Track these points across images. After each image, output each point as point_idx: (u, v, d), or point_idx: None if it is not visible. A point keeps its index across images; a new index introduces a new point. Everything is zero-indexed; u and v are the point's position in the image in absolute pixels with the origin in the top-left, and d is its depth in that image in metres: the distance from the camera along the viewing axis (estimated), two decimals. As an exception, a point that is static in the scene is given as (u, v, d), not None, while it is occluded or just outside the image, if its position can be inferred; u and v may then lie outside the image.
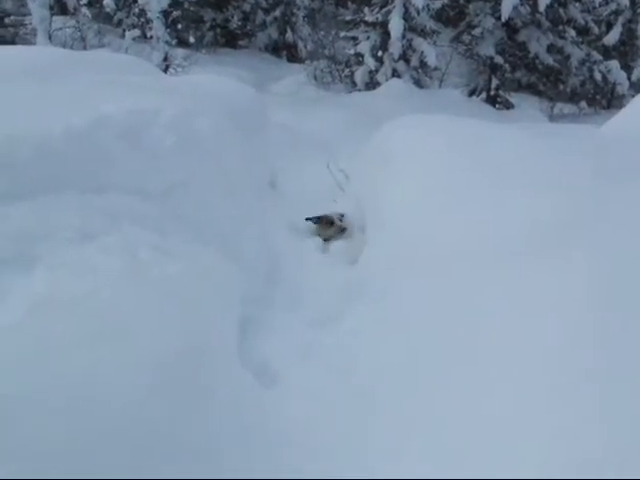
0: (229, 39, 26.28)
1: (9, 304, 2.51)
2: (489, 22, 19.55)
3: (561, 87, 21.83)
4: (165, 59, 16.80)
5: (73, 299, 2.66)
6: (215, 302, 3.57)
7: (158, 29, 16.69)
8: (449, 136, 5.78)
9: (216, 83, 6.84)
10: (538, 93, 22.12)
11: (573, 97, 21.97)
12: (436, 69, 20.08)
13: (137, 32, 17.14)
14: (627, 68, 21.82)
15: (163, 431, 2.57)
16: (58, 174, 3.40)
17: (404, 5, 17.79)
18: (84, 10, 18.48)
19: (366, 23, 19.02)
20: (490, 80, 20.25)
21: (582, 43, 21.38)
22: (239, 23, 25.82)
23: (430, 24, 18.90)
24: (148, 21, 17.04)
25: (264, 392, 3.43)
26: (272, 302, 4.61)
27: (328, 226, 6.22)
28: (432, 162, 5.35)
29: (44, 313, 2.53)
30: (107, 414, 2.40)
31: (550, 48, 20.76)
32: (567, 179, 4.14)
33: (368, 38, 18.84)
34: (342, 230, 6.14)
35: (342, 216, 6.33)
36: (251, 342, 3.87)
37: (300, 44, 25.98)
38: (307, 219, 6.30)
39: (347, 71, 20.75)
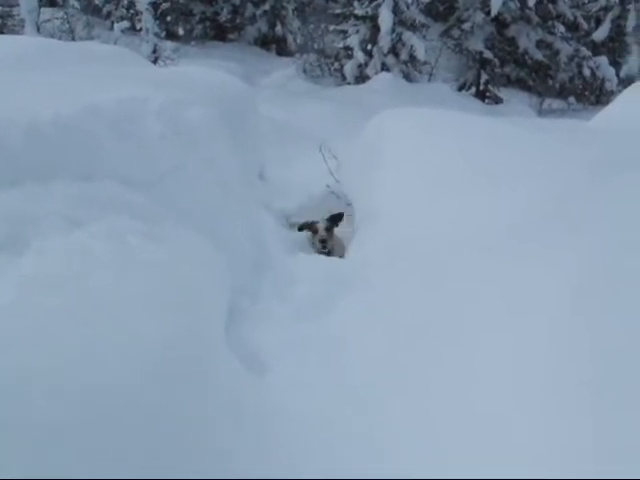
0: (218, 32, 26.24)
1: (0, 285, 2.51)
2: (479, 17, 19.64)
3: (550, 82, 21.96)
4: (154, 51, 16.78)
5: (63, 280, 2.66)
6: (204, 290, 3.57)
7: (147, 21, 16.66)
8: (439, 128, 5.80)
9: (205, 75, 6.83)
10: (527, 88, 22.23)
11: (562, 92, 22.09)
12: (425, 63, 20.16)
13: (126, 24, 17.11)
14: (616, 64, 21.99)
15: (155, 416, 2.57)
16: (47, 161, 3.39)
17: (394, -1, 17.82)
18: (73, 1, 18.41)
19: (356, 17, 19.07)
20: (479, 75, 20.35)
21: (571, 39, 21.52)
22: (228, 16, 25.77)
23: (420, 18, 18.98)
24: (137, 13, 17.04)
25: (255, 382, 3.43)
26: (260, 292, 4.60)
27: (313, 234, 6.26)
28: (422, 154, 5.37)
29: (34, 293, 2.53)
30: (97, 399, 2.39)
31: (539, 43, 20.89)
32: (556, 172, 4.16)
33: (357, 32, 18.88)
34: (323, 241, 6.12)
35: (330, 220, 6.33)
36: (240, 331, 3.87)
37: (290, 37, 25.94)
38: (295, 226, 6.44)
39: (336, 65, 20.83)
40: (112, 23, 18.97)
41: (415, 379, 3.27)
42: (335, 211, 6.43)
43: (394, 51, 18.81)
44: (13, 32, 16.43)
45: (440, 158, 5.07)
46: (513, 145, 5.02)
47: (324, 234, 6.11)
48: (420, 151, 5.48)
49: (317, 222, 6.23)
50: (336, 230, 6.32)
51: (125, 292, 2.86)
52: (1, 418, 2.12)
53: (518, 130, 5.57)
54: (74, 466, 2.19)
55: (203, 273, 3.67)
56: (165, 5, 17.54)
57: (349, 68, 19.30)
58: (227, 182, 4.78)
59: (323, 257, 5.46)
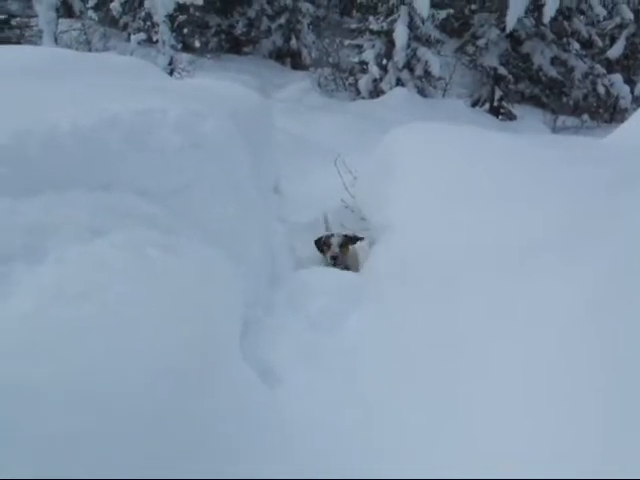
0: (233, 45, 26.34)
1: (18, 295, 2.52)
2: (493, 33, 19.64)
3: (564, 100, 21.90)
4: (170, 63, 16.85)
5: (81, 292, 2.68)
6: (219, 302, 3.59)
7: (164, 33, 16.73)
8: (454, 144, 5.80)
9: (222, 87, 6.86)
10: (541, 105, 22.17)
11: (576, 110, 22.02)
12: (440, 79, 20.14)
13: (143, 36, 17.15)
14: (630, 82, 21.90)
15: (169, 425, 2.59)
16: (66, 171, 3.42)
17: (409, 14, 17.90)
18: (90, 13, 18.53)
19: (371, 31, 19.12)
20: (493, 91, 20.32)
21: (586, 56, 21.46)
22: (244, 29, 25.87)
23: (435, 34, 19.02)
24: (154, 25, 17.09)
25: (268, 392, 3.45)
26: (274, 304, 4.62)
27: (326, 249, 6.11)
28: (437, 169, 5.37)
29: (53, 304, 2.55)
30: (114, 406, 2.41)
31: (554, 60, 20.84)
32: (571, 188, 4.15)
33: (373, 46, 18.92)
34: (334, 258, 5.96)
35: (345, 237, 6.17)
36: (254, 343, 3.88)
37: (304, 51, 26.00)
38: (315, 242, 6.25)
39: (351, 79, 20.84)
40: (129, 35, 19.01)
41: (426, 391, 3.28)
42: (348, 228, 6.41)
43: (409, 66, 18.84)
44: (31, 43, 16.51)
45: (455, 173, 5.07)
46: (528, 161, 5.01)
47: (336, 251, 5.98)
48: (435, 166, 5.48)
49: (332, 235, 6.15)
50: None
51: (143, 304, 2.88)
52: (19, 425, 2.13)
53: (533, 146, 5.57)
54: (89, 470, 2.21)
55: (218, 286, 3.69)
56: (182, 17, 17.61)
57: (364, 83, 19.33)
58: (243, 195, 4.79)
59: (337, 270, 5.45)
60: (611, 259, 2.98)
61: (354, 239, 6.17)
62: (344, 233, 6.24)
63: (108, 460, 2.31)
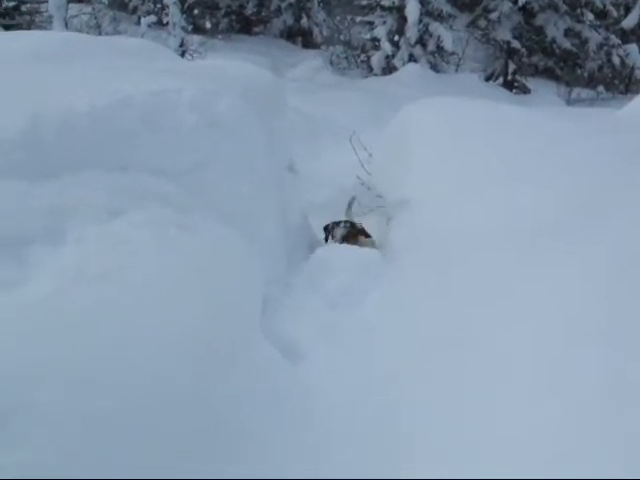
0: (244, 25, 26.22)
1: (39, 277, 2.54)
2: (506, 6, 19.48)
3: (578, 71, 21.69)
4: (181, 45, 16.83)
5: (101, 272, 2.69)
6: (239, 281, 3.60)
7: (174, 15, 16.70)
8: (469, 118, 5.78)
9: (234, 67, 6.82)
10: (555, 78, 21.96)
11: (591, 82, 21.78)
12: (453, 54, 20.02)
13: (153, 18, 17.12)
14: (646, 52, 21.63)
15: (191, 404, 2.60)
16: (82, 153, 3.43)
17: (420, -11, 17.74)
18: (100, -3, 18.53)
19: (382, 7, 19.02)
20: (507, 65, 20.18)
21: (600, 27, 21.23)
22: (254, 9, 25.76)
23: (446, 8, 18.90)
24: (164, 7, 17.08)
25: (291, 368, 3.47)
26: (293, 283, 4.64)
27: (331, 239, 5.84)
28: (453, 144, 5.35)
29: (73, 286, 2.56)
30: (130, 390, 2.42)
31: (567, 32, 20.68)
32: (588, 162, 4.13)
33: (384, 23, 18.82)
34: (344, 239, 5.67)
35: (350, 229, 5.83)
36: (274, 322, 3.90)
37: (315, 30, 25.86)
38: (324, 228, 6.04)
39: (363, 56, 20.74)
40: (139, 18, 18.97)
41: (440, 370, 3.28)
42: (364, 205, 6.37)
43: (421, 42, 18.73)
44: (41, 28, 16.48)
45: (471, 148, 5.05)
46: (543, 134, 4.99)
47: (338, 242, 5.67)
48: (450, 142, 5.46)
49: (338, 224, 5.87)
50: (367, 222, 6.08)
51: (163, 283, 2.89)
52: (34, 407, 2.15)
53: (548, 119, 5.54)
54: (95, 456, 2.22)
55: (237, 265, 3.70)
56: (191, -1, 17.62)
57: (376, 59, 19.24)
58: (257, 173, 4.79)
59: (354, 248, 5.37)
60: (624, 235, 2.96)
61: (362, 231, 5.89)
62: (351, 221, 6.00)
63: (118, 446, 2.31)
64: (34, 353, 2.28)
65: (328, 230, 5.97)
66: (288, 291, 4.49)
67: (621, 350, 2.44)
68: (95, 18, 18.81)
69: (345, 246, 5.38)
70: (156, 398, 2.46)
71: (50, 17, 16.60)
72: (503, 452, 2.53)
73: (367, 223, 5.97)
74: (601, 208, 3.37)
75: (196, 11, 18.14)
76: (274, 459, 2.80)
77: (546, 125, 5.26)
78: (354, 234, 5.79)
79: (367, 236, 5.82)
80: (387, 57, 19.04)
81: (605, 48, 21.35)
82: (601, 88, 21.09)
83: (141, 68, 5.24)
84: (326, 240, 5.97)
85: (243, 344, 3.16)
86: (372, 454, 2.96)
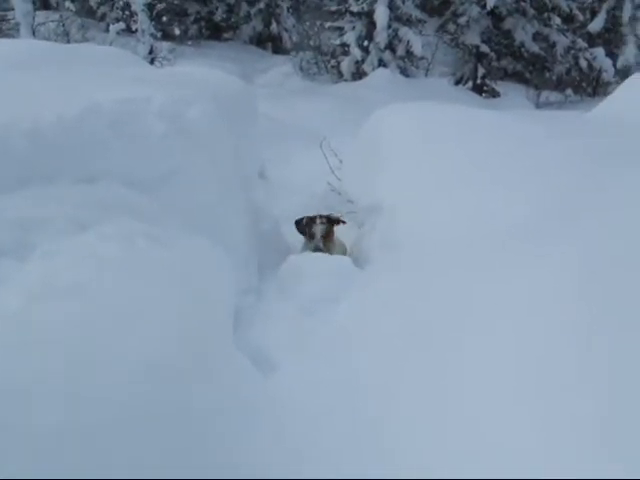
0: (213, 32, 26.24)
1: (6, 292, 2.49)
2: (474, 11, 19.63)
3: (547, 75, 21.92)
4: (150, 52, 16.81)
5: (72, 286, 2.64)
6: (211, 291, 3.56)
7: (143, 22, 16.68)
8: (440, 122, 5.78)
9: (204, 74, 6.80)
10: (524, 81, 22.18)
11: (559, 85, 22.04)
12: (422, 58, 20.13)
13: (122, 25, 17.11)
14: (612, 55, 21.89)
15: (164, 415, 2.57)
16: (51, 163, 3.39)
17: (389, -6, 17.81)
18: (67, 4, 18.41)
19: (351, 13, 19.09)
20: (476, 69, 20.33)
21: (567, 31, 21.49)
22: (223, 15, 25.80)
23: (416, 13, 19.01)
24: (133, 14, 17.03)
25: (262, 380, 3.43)
26: (266, 291, 4.61)
27: (309, 239, 5.68)
28: (423, 148, 5.35)
29: (42, 301, 2.51)
30: (104, 404, 2.38)
31: (535, 36, 20.90)
32: (557, 163, 4.14)
33: (354, 28, 18.88)
34: (317, 249, 5.52)
35: (328, 222, 5.73)
36: (247, 331, 3.87)
37: (285, 35, 25.94)
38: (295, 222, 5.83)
39: (333, 62, 20.81)
40: (107, 25, 18.92)
41: (418, 374, 3.26)
42: (336, 211, 6.32)
43: (391, 47, 18.79)
44: (8, 36, 16.37)
45: (442, 152, 5.05)
46: (513, 137, 4.99)
47: (320, 244, 5.56)
48: (421, 146, 5.46)
49: (315, 219, 5.71)
50: (337, 228, 5.96)
51: (133, 296, 2.84)
52: (11, 424, 2.11)
53: (518, 122, 5.56)
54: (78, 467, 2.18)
55: (209, 275, 3.67)
56: (160, 6, 17.56)
57: (346, 65, 19.28)
58: (228, 181, 4.77)
59: (326, 255, 5.31)
60: (595, 237, 2.97)
61: (337, 221, 5.85)
62: (327, 216, 5.84)
63: (98, 457, 2.27)
64: (1, 368, 2.23)
65: (302, 225, 5.77)
66: (261, 299, 4.47)
67: (600, 349, 2.44)
68: (63, 25, 18.69)
69: (317, 255, 5.32)
70: (125, 415, 2.42)
71: (17, 24, 16.49)
72: (490, 461, 2.52)
73: (338, 229, 5.93)
74: (572, 210, 3.37)
75: (165, 18, 18.13)
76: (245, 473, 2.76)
77: (516, 128, 5.28)
78: (330, 230, 5.72)
79: (343, 222, 5.81)
80: (357, 62, 19.09)
81: (572, 52, 21.60)
82: (569, 91, 21.35)
83: (110, 76, 5.20)
84: (302, 232, 5.78)
85: (214, 357, 3.12)
86: (349, 468, 2.92)
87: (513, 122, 5.54)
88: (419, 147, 5.43)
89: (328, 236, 5.68)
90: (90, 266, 2.81)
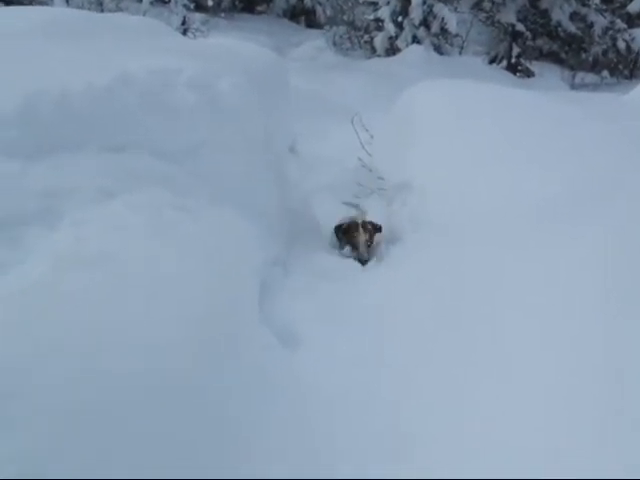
0: (247, 4, 26.15)
1: (34, 260, 2.48)
2: (511, -12, 19.32)
3: (583, 56, 21.58)
4: (183, 23, 16.75)
5: (97, 256, 2.63)
6: (238, 264, 3.56)
7: (176, -7, 16.62)
8: (474, 100, 5.71)
9: (237, 46, 6.77)
10: (560, 62, 21.86)
11: (595, 66, 21.68)
12: (457, 36, 19.84)
13: (155, -5, 17.05)
14: (652, 37, 21.50)
15: (186, 388, 2.56)
16: (79, 132, 3.36)
17: (425, -30, 17.59)
18: (102, -27, 18.37)
19: (386, -12, 18.83)
20: (511, 48, 20.05)
21: (606, 11, 21.09)
22: (257, -12, 25.66)
23: (451, -11, 18.70)
24: (166, -16, 16.98)
25: (287, 356, 3.40)
26: (293, 265, 4.58)
27: (352, 249, 5.13)
28: (457, 126, 5.29)
29: (69, 269, 2.50)
30: (129, 375, 2.37)
31: (573, 16, 20.55)
32: (593, 144, 4.08)
33: (388, 3, 18.63)
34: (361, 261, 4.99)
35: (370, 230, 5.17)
36: (273, 305, 3.84)
37: (319, 9, 25.76)
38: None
39: (366, 37, 20.60)
40: (141, -5, 18.90)
41: (444, 357, 3.23)
42: (367, 187, 6.23)
43: (425, 23, 18.55)
44: (42, 4, 16.38)
45: (476, 129, 4.99)
46: (548, 117, 4.93)
47: (365, 254, 5.03)
48: (454, 124, 5.40)
49: (357, 227, 5.13)
50: (368, 205, 5.80)
51: (160, 268, 2.84)
52: (22, 396, 2.09)
53: (553, 102, 5.48)
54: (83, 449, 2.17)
55: (236, 247, 3.66)
56: (194, -24, 17.50)
57: (379, 40, 19.08)
58: (258, 154, 4.74)
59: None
60: (631, 218, 2.92)
61: (380, 228, 5.27)
62: (369, 221, 5.29)
63: (108, 439, 2.24)
64: (28, 336, 2.22)
65: (342, 232, 5.24)
66: (288, 273, 4.44)
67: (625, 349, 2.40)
68: (97, -6, 18.68)
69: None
70: (149, 391, 2.40)
71: (52, -7, 16.49)
72: (504, 452, 2.50)
73: (368, 206, 5.85)
74: (608, 192, 3.32)
75: (198, -11, 18.05)
76: (260, 459, 2.72)
77: (552, 108, 5.21)
78: (373, 237, 5.20)
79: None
80: (390, 38, 18.88)
81: (610, 32, 21.23)
82: (605, 73, 20.97)
83: (142, 46, 5.18)
84: (340, 239, 5.28)
85: (240, 333, 3.11)
86: (370, 454, 2.89)
87: (548, 102, 5.46)
88: (452, 124, 5.37)
89: (372, 243, 5.17)
90: (118, 236, 2.80)
